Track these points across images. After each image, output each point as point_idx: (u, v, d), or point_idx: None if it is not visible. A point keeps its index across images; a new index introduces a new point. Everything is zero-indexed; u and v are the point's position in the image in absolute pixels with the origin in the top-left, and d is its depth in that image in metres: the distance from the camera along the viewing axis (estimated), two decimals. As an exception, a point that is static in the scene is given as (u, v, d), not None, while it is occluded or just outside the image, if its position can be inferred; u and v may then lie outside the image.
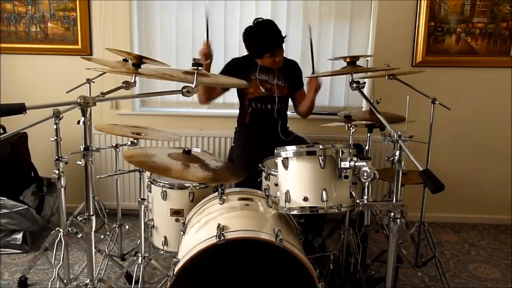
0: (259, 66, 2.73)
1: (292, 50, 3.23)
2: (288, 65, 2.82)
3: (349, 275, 2.36)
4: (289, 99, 2.89)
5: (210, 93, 2.79)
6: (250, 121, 2.82)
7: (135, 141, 2.26)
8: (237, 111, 2.94)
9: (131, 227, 2.92)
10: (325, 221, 2.70)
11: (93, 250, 1.53)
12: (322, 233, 2.72)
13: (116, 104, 3.35)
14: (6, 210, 2.75)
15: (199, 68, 1.57)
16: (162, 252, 2.28)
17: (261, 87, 2.73)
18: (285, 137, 2.80)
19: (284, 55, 2.98)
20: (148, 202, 2.24)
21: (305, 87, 2.85)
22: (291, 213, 1.79)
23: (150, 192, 2.32)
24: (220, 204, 1.92)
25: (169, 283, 1.59)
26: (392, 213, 1.53)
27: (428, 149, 2.41)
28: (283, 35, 2.63)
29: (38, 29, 3.25)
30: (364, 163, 1.53)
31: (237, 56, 2.91)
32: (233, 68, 2.74)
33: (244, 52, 2.92)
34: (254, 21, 2.63)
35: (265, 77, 2.75)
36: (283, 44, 2.66)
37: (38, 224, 2.87)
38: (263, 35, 2.59)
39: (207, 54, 2.66)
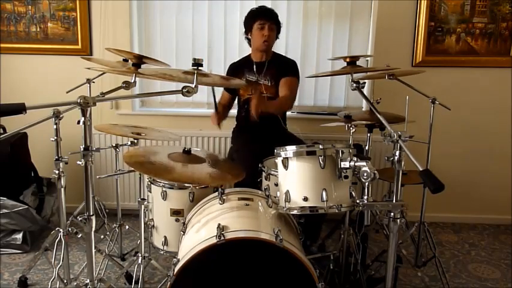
0: (252, 66, 2.77)
1: (292, 49, 3.23)
2: (280, 63, 2.80)
3: (349, 275, 2.36)
4: None
5: (224, 114, 2.85)
6: (245, 121, 2.83)
7: (135, 141, 2.26)
8: (236, 111, 2.94)
9: (131, 227, 2.92)
10: (321, 226, 2.71)
11: (93, 250, 1.53)
12: (318, 238, 2.72)
13: (116, 104, 3.35)
14: (6, 210, 2.75)
15: (199, 68, 1.57)
16: (162, 252, 2.28)
17: (249, 88, 2.75)
18: (285, 135, 2.79)
19: (284, 54, 3.00)
20: (148, 202, 2.24)
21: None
22: (291, 213, 1.79)
23: (150, 192, 2.32)
24: (220, 204, 1.92)
25: (169, 283, 1.59)
26: (392, 213, 1.53)
27: (428, 149, 2.41)
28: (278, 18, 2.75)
29: (38, 29, 3.25)
30: (364, 163, 1.53)
31: (235, 60, 2.93)
32: (230, 74, 2.82)
33: (244, 53, 2.94)
34: None
35: (253, 77, 2.77)
36: (277, 33, 2.76)
37: (38, 224, 2.87)
38: (255, 8, 2.75)
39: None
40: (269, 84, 2.76)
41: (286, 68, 2.77)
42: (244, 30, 2.80)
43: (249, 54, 2.86)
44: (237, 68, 2.83)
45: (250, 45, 2.82)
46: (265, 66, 2.76)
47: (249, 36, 2.77)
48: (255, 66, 2.78)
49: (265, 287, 1.63)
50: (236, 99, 2.91)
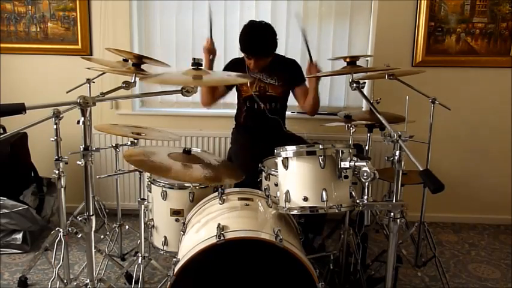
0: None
1: (292, 49, 3.23)
2: (284, 64, 2.81)
3: (349, 275, 2.36)
4: (286, 98, 2.87)
5: (213, 94, 2.80)
6: (245, 121, 2.83)
7: (135, 141, 2.26)
8: (235, 111, 2.94)
9: (131, 227, 2.92)
10: (325, 220, 2.70)
11: (93, 250, 1.53)
12: (322, 232, 2.72)
13: (116, 104, 3.35)
14: (6, 210, 2.75)
15: (199, 67, 1.57)
16: (162, 252, 2.28)
17: (254, 85, 2.74)
18: (284, 135, 2.79)
19: (284, 54, 3.00)
20: (148, 202, 2.24)
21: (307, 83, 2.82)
22: (291, 213, 1.79)
23: (150, 192, 2.32)
24: (220, 204, 1.92)
25: (169, 283, 1.59)
26: (392, 213, 1.53)
27: (428, 149, 2.40)
28: (271, 48, 2.62)
29: (38, 29, 3.25)
30: (364, 163, 1.53)
31: (236, 57, 2.90)
32: (230, 68, 2.79)
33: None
34: (258, 22, 2.63)
35: (258, 76, 2.75)
36: (265, 55, 2.63)
37: (38, 224, 2.87)
38: (245, 35, 2.60)
39: (211, 50, 2.73)
40: (276, 84, 2.76)
41: (297, 74, 2.79)
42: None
43: None
44: (240, 65, 2.75)
45: None
46: (267, 67, 2.75)
47: None
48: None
49: (265, 287, 1.63)
50: (236, 97, 2.89)
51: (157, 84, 3.15)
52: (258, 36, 2.58)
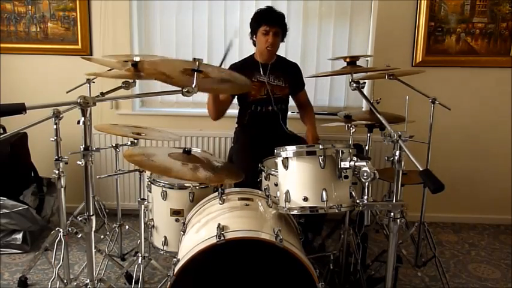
0: (259, 67, 2.74)
1: (292, 49, 3.23)
2: (288, 67, 2.84)
3: (349, 275, 2.36)
4: (289, 98, 2.90)
5: (219, 106, 2.73)
6: (249, 121, 2.82)
7: (135, 141, 2.26)
8: (236, 111, 2.93)
9: (131, 227, 2.92)
10: (324, 220, 2.70)
11: (93, 250, 1.53)
12: (321, 232, 2.72)
13: (116, 104, 3.35)
14: (6, 210, 2.75)
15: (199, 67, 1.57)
16: (162, 252, 2.28)
17: (262, 89, 2.74)
18: (287, 135, 2.80)
19: (284, 55, 3.00)
20: (148, 202, 2.24)
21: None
22: (291, 213, 1.79)
23: (150, 192, 2.32)
24: (220, 204, 1.92)
25: (169, 283, 1.59)
26: (392, 213, 1.53)
27: (428, 149, 2.41)
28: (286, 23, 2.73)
29: (38, 29, 3.25)
30: (364, 163, 1.53)
31: (236, 61, 2.88)
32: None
33: (244, 53, 2.93)
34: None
35: (265, 78, 2.75)
36: (282, 37, 2.73)
37: (38, 224, 2.87)
38: (266, 8, 2.70)
39: None
40: (283, 85, 2.78)
41: (299, 80, 2.86)
42: (250, 31, 2.74)
43: (252, 55, 2.82)
44: (243, 69, 2.70)
45: (255, 45, 2.80)
46: (270, 68, 2.76)
47: (254, 39, 2.74)
48: (261, 68, 2.76)
49: (265, 287, 1.63)
50: (237, 99, 2.88)
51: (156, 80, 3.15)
52: (275, 9, 2.70)
